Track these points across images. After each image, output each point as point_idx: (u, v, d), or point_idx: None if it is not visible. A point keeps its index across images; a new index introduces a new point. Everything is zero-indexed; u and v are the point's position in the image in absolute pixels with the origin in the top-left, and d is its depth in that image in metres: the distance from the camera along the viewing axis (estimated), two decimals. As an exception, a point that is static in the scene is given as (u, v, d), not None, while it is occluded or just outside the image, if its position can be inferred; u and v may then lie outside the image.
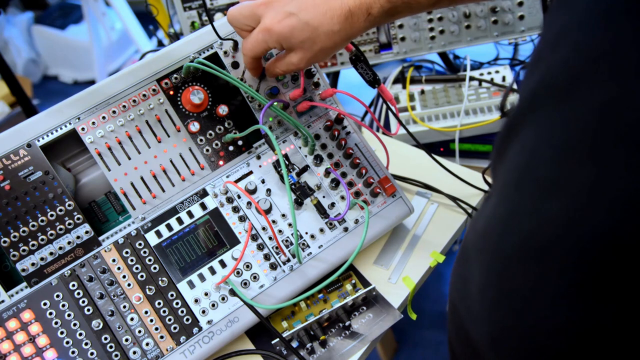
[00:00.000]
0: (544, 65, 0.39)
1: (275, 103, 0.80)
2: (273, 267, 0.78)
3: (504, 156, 0.42)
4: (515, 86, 1.14)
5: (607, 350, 0.35)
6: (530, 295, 0.37)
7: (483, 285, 0.42)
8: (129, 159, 0.78)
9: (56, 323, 0.73)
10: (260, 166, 0.82)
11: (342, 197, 0.82)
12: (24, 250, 0.74)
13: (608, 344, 0.35)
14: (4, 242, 0.74)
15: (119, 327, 0.74)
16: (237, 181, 0.81)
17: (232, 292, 0.75)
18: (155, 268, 0.76)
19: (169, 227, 0.78)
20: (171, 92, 0.80)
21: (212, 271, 0.77)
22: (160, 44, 1.47)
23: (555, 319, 0.36)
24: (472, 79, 1.15)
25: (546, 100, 0.38)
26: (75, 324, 0.73)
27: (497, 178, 0.44)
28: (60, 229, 0.76)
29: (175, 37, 1.31)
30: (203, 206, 0.79)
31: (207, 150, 0.81)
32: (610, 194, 0.33)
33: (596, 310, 0.34)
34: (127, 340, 0.73)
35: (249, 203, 0.80)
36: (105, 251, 0.76)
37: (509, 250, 0.39)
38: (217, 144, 0.81)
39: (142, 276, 0.76)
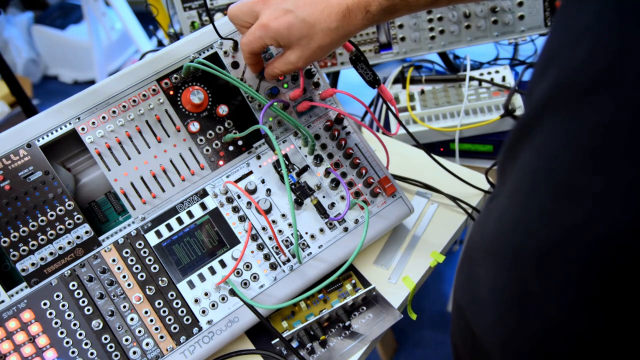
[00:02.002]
0: (560, 65, 0.38)
1: (275, 103, 0.80)
2: (273, 267, 0.78)
3: (515, 158, 0.41)
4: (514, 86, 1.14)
5: (624, 356, 0.35)
6: (545, 300, 0.37)
7: (494, 288, 0.41)
8: (129, 159, 0.78)
9: (56, 323, 0.73)
10: (260, 166, 0.82)
11: (342, 197, 0.82)
12: (24, 250, 0.74)
13: (625, 351, 0.34)
14: (4, 242, 0.74)
15: (119, 327, 0.74)
16: (237, 181, 0.81)
17: (232, 292, 0.75)
18: (155, 268, 0.76)
19: (169, 227, 0.78)
20: (171, 92, 0.80)
21: (212, 271, 0.77)
22: (160, 44, 1.47)
23: (573, 324, 0.36)
24: (472, 79, 1.15)
25: (564, 102, 0.37)
26: (75, 324, 0.73)
27: (506, 180, 0.43)
28: (60, 229, 0.76)
29: (175, 37, 1.31)
30: (203, 206, 0.79)
31: (207, 150, 0.81)
32: (626, 199, 0.32)
33: (614, 316, 0.34)
34: (127, 340, 0.73)
35: (249, 203, 0.80)
36: (105, 251, 0.76)
37: (524, 254, 0.38)
38: (217, 144, 0.81)
39: (142, 276, 0.76)
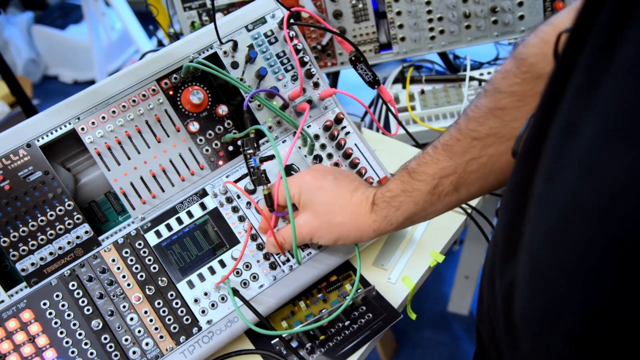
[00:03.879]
0: None
1: (275, 102, 0.80)
2: (272, 267, 0.78)
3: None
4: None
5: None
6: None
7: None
8: (129, 159, 0.78)
9: (56, 323, 0.73)
10: (260, 166, 0.82)
11: (342, 197, 0.82)
12: (23, 250, 0.74)
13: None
14: (4, 242, 0.74)
15: (118, 327, 0.74)
16: (236, 181, 0.81)
17: (233, 292, 0.75)
18: (154, 268, 0.76)
19: (169, 227, 0.78)
20: (171, 92, 0.80)
21: (212, 271, 0.77)
22: (160, 44, 1.47)
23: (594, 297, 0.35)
24: (472, 79, 1.15)
25: None
26: (75, 324, 0.73)
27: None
28: (60, 229, 0.76)
29: (175, 37, 1.31)
30: (202, 206, 0.79)
31: (207, 150, 0.81)
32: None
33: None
34: (126, 340, 0.73)
35: (248, 203, 0.80)
36: (105, 251, 0.76)
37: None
38: (216, 144, 0.81)
39: (141, 276, 0.76)
